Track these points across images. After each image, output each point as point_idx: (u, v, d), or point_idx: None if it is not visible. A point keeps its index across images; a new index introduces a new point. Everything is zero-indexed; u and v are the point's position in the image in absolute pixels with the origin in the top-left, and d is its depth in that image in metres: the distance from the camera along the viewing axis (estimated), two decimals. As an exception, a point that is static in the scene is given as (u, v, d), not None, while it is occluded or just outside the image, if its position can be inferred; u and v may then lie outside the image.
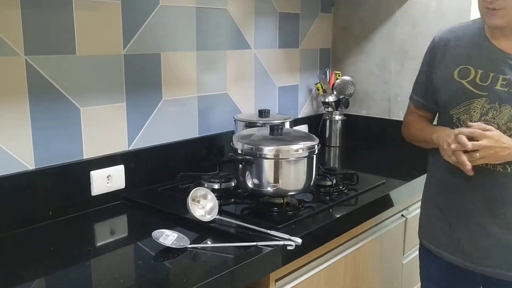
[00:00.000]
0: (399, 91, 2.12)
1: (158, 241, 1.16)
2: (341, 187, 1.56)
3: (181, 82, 1.65)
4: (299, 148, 1.33)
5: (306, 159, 1.34)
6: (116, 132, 1.49)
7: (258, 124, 1.62)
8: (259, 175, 1.32)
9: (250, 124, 1.62)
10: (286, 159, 1.32)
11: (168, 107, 1.62)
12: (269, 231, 1.21)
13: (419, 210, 1.79)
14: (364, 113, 2.25)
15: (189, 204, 1.29)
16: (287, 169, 1.33)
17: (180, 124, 1.67)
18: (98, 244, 1.26)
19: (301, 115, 2.20)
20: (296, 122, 2.09)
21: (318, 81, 2.19)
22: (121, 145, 1.50)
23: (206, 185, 1.51)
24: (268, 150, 1.30)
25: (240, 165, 1.33)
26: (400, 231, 1.72)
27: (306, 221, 1.31)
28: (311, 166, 1.36)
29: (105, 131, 1.45)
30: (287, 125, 1.65)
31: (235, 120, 1.68)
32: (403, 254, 1.76)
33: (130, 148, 1.53)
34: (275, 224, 1.26)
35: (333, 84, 2.17)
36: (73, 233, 1.29)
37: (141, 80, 1.53)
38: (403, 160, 1.99)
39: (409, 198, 1.74)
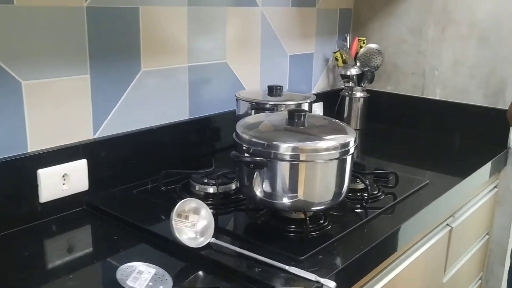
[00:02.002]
0: (437, 63, 1.73)
1: (124, 286, 0.78)
2: (375, 192, 1.18)
3: (166, 47, 1.25)
4: (330, 146, 0.94)
5: (338, 161, 0.96)
6: (76, 114, 1.09)
7: (267, 105, 1.23)
8: (271, 181, 0.94)
9: (257, 105, 1.23)
10: (311, 161, 0.93)
11: (148, 81, 1.22)
12: (286, 267, 0.84)
13: (466, 215, 1.44)
14: (390, 89, 1.86)
15: (174, 223, 0.91)
16: (312, 174, 0.95)
17: (164, 103, 1.27)
18: (35, 280, 0.88)
19: (315, 90, 1.80)
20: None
21: (337, 49, 1.78)
22: (84, 133, 1.11)
23: (197, 188, 1.13)
24: (286, 148, 0.92)
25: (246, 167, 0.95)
26: (444, 244, 1.36)
27: (338, 248, 0.94)
28: (343, 171, 0.98)
29: (59, 114, 1.06)
30: (305, 107, 1.26)
31: (237, 100, 1.29)
32: (444, 271, 1.41)
33: (96, 137, 1.14)
34: (295, 253, 0.89)
35: (356, 53, 1.77)
36: (7, 257, 0.91)
37: (112, 43, 1.13)
38: (442, 150, 1.62)
39: (457, 203, 1.37)
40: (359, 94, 1.78)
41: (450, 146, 1.65)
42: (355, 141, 0.99)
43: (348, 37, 1.82)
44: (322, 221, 1.02)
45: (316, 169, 0.95)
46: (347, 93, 1.79)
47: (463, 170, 1.39)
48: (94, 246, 0.97)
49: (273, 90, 1.28)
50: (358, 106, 1.79)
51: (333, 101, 1.82)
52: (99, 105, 1.13)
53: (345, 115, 1.81)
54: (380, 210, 1.11)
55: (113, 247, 0.96)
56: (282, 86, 1.30)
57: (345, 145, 0.96)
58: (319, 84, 1.82)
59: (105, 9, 1.10)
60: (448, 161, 1.51)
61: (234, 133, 0.98)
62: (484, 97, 1.65)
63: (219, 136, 1.41)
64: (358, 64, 1.75)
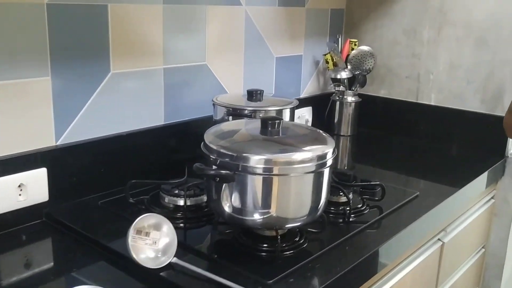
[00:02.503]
0: (433, 67, 1.64)
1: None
2: (359, 206, 1.10)
3: (139, 48, 1.17)
4: (305, 157, 0.86)
5: (314, 174, 0.87)
6: (36, 120, 1.01)
7: (246, 111, 1.14)
8: (241, 196, 0.86)
9: (234, 111, 1.14)
10: (284, 174, 0.85)
11: (119, 84, 1.14)
12: (253, 293, 0.76)
13: (459, 229, 1.35)
14: (384, 93, 1.77)
15: (130, 241, 0.83)
16: (285, 189, 0.86)
17: (137, 107, 1.19)
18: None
19: (304, 94, 1.72)
20: (299, 104, 1.61)
21: (328, 51, 1.70)
22: (44, 140, 1.03)
23: (166, 200, 1.05)
24: (256, 161, 0.83)
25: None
26: (434, 260, 1.27)
27: (313, 269, 0.86)
28: (321, 184, 0.90)
29: (17, 119, 0.98)
30: (286, 114, 1.18)
31: (213, 104, 1.20)
32: (436, 289, 1.32)
33: (58, 144, 1.06)
34: (264, 276, 0.81)
35: (347, 55, 1.68)
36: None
37: (77, 43, 1.05)
38: (437, 158, 1.53)
39: (450, 216, 1.29)
40: (350, 98, 1.70)
41: (445, 154, 1.57)
42: (333, 152, 0.91)
43: (340, 39, 1.74)
44: (297, 239, 0.93)
45: (290, 184, 0.86)
46: (337, 98, 1.71)
47: (458, 180, 1.31)
48: (46, 264, 0.89)
49: (252, 95, 1.20)
50: (349, 111, 1.71)
51: (323, 105, 1.73)
52: (62, 110, 1.05)
53: (336, 120, 1.72)
54: (363, 226, 1.03)
55: (67, 265, 0.88)
56: (263, 91, 1.22)
57: (322, 156, 0.88)
58: (309, 87, 1.73)
59: (69, 6, 1.02)
60: (442, 171, 1.42)
61: (202, 143, 0.90)
62: (481, 103, 1.56)
63: (197, 143, 1.32)
64: (349, 67, 1.67)
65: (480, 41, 1.54)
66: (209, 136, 0.90)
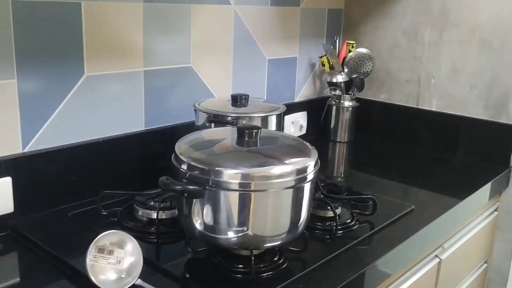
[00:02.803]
0: (434, 70, 1.56)
1: None
2: (348, 221, 1.02)
3: (117, 49, 1.10)
4: (284, 172, 0.78)
5: (293, 190, 0.80)
6: (0, 125, 0.95)
7: (229, 118, 1.07)
8: (213, 212, 0.78)
9: (214, 118, 1.07)
10: (261, 190, 0.77)
11: (94, 87, 1.07)
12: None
13: (459, 244, 1.27)
14: (383, 98, 1.69)
15: (89, 260, 0.76)
16: (262, 206, 0.79)
17: (114, 112, 1.12)
18: None
19: (299, 98, 1.64)
20: (292, 108, 1.54)
21: (324, 53, 1.62)
22: (10, 147, 0.97)
23: (140, 213, 0.98)
24: (230, 175, 0.76)
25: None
26: (431, 278, 1.19)
27: (290, 294, 0.78)
28: (300, 200, 0.82)
29: (-22, 124, 0.92)
30: (272, 121, 1.10)
31: (195, 110, 1.13)
32: (432, 309, 1.24)
33: (26, 151, 0.99)
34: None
35: (344, 58, 1.60)
36: None
37: (46, 44, 0.98)
38: (437, 168, 1.45)
39: (448, 230, 1.21)
40: (347, 103, 1.62)
41: (446, 164, 1.48)
42: (315, 165, 0.83)
43: (337, 40, 1.66)
44: (276, 258, 0.86)
45: (267, 200, 0.79)
46: (334, 102, 1.63)
47: (459, 191, 1.23)
48: (4, 282, 0.82)
49: (237, 100, 1.13)
50: (346, 116, 1.63)
51: (319, 110, 1.66)
52: (30, 115, 0.98)
53: (332, 126, 1.65)
54: (351, 243, 0.95)
55: (27, 283, 0.81)
56: (248, 95, 1.14)
57: (303, 170, 0.81)
58: (304, 91, 1.65)
59: (37, 4, 0.95)
60: (442, 181, 1.34)
61: (173, 154, 0.83)
62: (484, 109, 1.47)
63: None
64: (346, 70, 1.59)
65: (484, 44, 1.45)
66: (181, 146, 0.83)
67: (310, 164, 0.82)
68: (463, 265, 1.37)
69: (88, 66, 1.05)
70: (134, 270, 0.79)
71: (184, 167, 0.78)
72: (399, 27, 1.61)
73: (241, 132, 0.83)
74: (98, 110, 1.09)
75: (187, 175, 0.77)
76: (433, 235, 1.10)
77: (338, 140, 1.65)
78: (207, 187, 0.76)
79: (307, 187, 0.82)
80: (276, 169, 0.79)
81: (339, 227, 0.98)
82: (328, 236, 0.97)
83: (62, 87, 1.02)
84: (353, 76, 1.59)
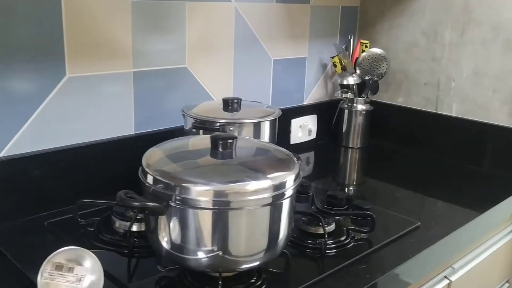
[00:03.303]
0: (455, 73, 1.44)
1: None
2: (342, 238, 0.93)
3: (102, 48, 1.04)
4: (260, 188, 0.70)
5: (271, 207, 0.72)
6: (-27, 129, 0.90)
7: (217, 124, 0.99)
8: (181, 231, 0.71)
9: (201, 124, 1.00)
10: (234, 209, 0.69)
11: (77, 89, 1.02)
12: None
13: (474, 263, 1.16)
14: (399, 102, 1.58)
15: (42, 279, 0.70)
16: (234, 225, 0.71)
17: (100, 116, 1.07)
18: None
19: (308, 101, 1.55)
20: (300, 111, 1.46)
21: (336, 54, 1.53)
22: (-18, 151, 0.92)
23: (117, 224, 0.92)
24: (198, 192, 0.68)
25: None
26: (440, 302, 1.08)
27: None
28: (279, 218, 0.74)
29: None
30: (265, 127, 1.02)
31: (183, 114, 1.06)
32: (442, 334, 1.13)
33: (1, 155, 0.95)
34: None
35: (356, 59, 1.51)
36: None
37: (22, 42, 0.93)
38: (453, 177, 1.34)
39: (461, 249, 1.10)
40: (360, 106, 1.52)
41: (465, 174, 1.36)
42: (296, 179, 0.75)
43: (352, 40, 1.56)
44: (254, 280, 0.78)
45: (240, 219, 0.71)
46: (346, 105, 1.54)
47: (477, 205, 1.12)
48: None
49: (228, 104, 1.05)
50: (358, 120, 1.53)
51: (331, 113, 1.56)
52: (4, 118, 0.93)
53: (344, 130, 1.55)
54: (343, 264, 0.86)
55: (-16, 301, 0.76)
56: (240, 99, 1.06)
57: (280, 186, 0.72)
58: (314, 93, 1.56)
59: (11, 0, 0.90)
60: (460, 192, 1.23)
61: (140, 167, 0.76)
62: (509, 116, 1.35)
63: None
64: (358, 71, 1.49)
65: (509, 44, 1.33)
66: (149, 157, 0.76)
67: (289, 178, 0.73)
68: (481, 284, 1.25)
69: (69, 66, 1.00)
70: (93, 290, 0.73)
71: (150, 180, 0.72)
72: (417, 26, 1.50)
73: (214, 143, 0.75)
74: (82, 114, 1.04)
75: (151, 190, 0.70)
76: (440, 255, 1.00)
77: (350, 145, 1.55)
78: (171, 204, 0.69)
79: (286, 204, 0.74)
80: (251, 185, 0.70)
81: (331, 245, 0.89)
82: (319, 255, 0.88)
83: (41, 89, 0.97)
84: (366, 78, 1.49)
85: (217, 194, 0.69)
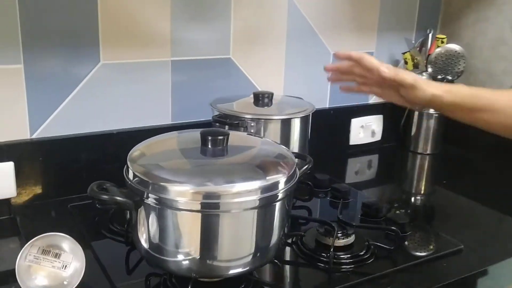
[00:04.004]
0: (547, 75, 1.23)
1: None
2: (361, 252, 0.83)
3: (138, 36, 1.04)
4: (244, 190, 0.64)
5: (258, 211, 0.65)
6: (7, 110, 0.94)
7: (244, 117, 0.94)
8: (155, 230, 0.67)
9: (220, 118, 0.95)
10: (211, 211, 0.64)
11: (111, 76, 1.03)
12: None
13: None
14: (482, 105, 1.39)
15: (23, 261, 0.70)
16: (213, 229, 0.65)
17: (135, 104, 1.07)
18: None
19: (373, 100, 1.43)
20: (363, 110, 1.36)
21: (408, 49, 1.39)
22: (17, 132, 0.96)
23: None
24: (174, 191, 0.64)
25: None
26: None
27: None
28: (270, 223, 0.67)
29: (-17, 107, 0.92)
30: (295, 125, 0.94)
31: (212, 107, 1.02)
32: None
33: (34, 137, 0.98)
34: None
35: (428, 55, 1.35)
36: None
37: (56, 28, 0.95)
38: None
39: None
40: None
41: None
42: (288, 181, 0.67)
43: (430, 34, 1.40)
44: (243, 286, 0.72)
45: (221, 222, 0.65)
46: (417, 107, 1.39)
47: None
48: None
49: (259, 99, 0.99)
50: (430, 124, 1.38)
51: (399, 114, 1.43)
52: (39, 101, 0.97)
53: (412, 134, 1.41)
54: (352, 282, 0.76)
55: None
56: (272, 94, 1.00)
57: (269, 188, 0.65)
58: (381, 92, 1.43)
59: (48, -13, 0.93)
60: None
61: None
62: None
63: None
64: (429, 69, 1.34)
65: None
66: (136, 151, 0.73)
67: (280, 180, 0.66)
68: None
69: (104, 53, 1.01)
70: (74, 276, 0.72)
71: (130, 174, 0.69)
72: (507, 20, 1.31)
73: (204, 139, 0.70)
74: (115, 100, 1.04)
75: (128, 184, 0.68)
76: (487, 284, 0.86)
77: (418, 151, 1.41)
78: (145, 201, 0.66)
79: (277, 207, 0.67)
80: (237, 186, 0.65)
81: (346, 260, 0.80)
82: (325, 271, 0.80)
83: (74, 75, 0.99)
84: (438, 77, 1.33)
85: (192, 195, 0.64)
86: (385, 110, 1.42)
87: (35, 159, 0.97)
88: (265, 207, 0.66)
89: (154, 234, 0.67)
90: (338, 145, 1.37)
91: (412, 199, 1.17)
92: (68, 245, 0.73)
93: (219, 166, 0.70)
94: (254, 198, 0.65)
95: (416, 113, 1.39)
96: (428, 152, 1.40)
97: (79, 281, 0.71)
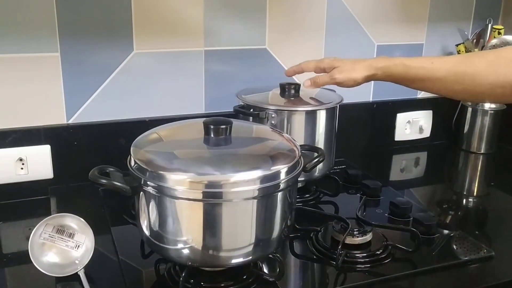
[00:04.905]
0: None
1: None
2: (379, 252, 0.79)
3: (171, 25, 1.05)
4: (242, 179, 0.63)
5: (258, 201, 0.64)
6: (45, 96, 0.99)
7: (266, 108, 0.92)
8: (154, 217, 0.67)
9: (240, 109, 0.94)
10: (210, 200, 0.64)
11: (144, 65, 1.05)
12: None
13: None
14: (545, 102, 1.27)
15: (37, 238, 0.74)
16: (211, 218, 0.65)
17: (168, 92, 1.09)
18: None
19: (422, 94, 1.35)
20: (411, 104, 1.30)
21: (462, 41, 1.30)
22: (54, 117, 1.01)
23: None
24: (177, 180, 0.64)
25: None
26: None
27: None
28: (269, 215, 0.66)
29: (22, 93, 0.97)
30: (321, 117, 0.91)
31: (237, 97, 1.01)
32: None
33: (70, 122, 1.03)
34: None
35: (482, 47, 1.26)
36: None
37: (92, 17, 0.99)
38: None
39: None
40: (487, 105, 1.27)
41: None
42: (290, 171, 0.65)
43: (489, 25, 1.31)
44: (245, 277, 0.71)
45: (220, 212, 0.64)
46: (469, 103, 1.30)
47: None
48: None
49: (285, 90, 0.97)
50: (485, 121, 1.29)
51: (451, 111, 1.35)
52: (75, 88, 1.01)
53: (465, 132, 1.32)
54: (359, 283, 0.73)
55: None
56: (299, 85, 0.97)
57: (269, 178, 0.64)
58: (432, 86, 1.35)
59: (83, -22, 0.96)
60: None
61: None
62: None
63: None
64: (483, 62, 1.24)
65: None
66: (142, 139, 0.74)
67: (281, 170, 0.65)
68: None
69: (137, 42, 1.03)
70: (85, 256, 0.75)
71: (131, 162, 0.70)
72: None
73: (206, 128, 0.70)
74: (148, 89, 1.07)
75: (129, 170, 0.69)
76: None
77: (471, 150, 1.32)
78: (144, 188, 0.66)
79: (279, 198, 0.66)
80: (237, 176, 0.63)
81: (361, 259, 0.77)
82: (335, 267, 0.77)
83: (108, 63, 1.02)
84: (493, 71, 1.23)
85: (189, 183, 0.64)
86: (436, 105, 1.34)
87: (71, 143, 1.02)
88: (266, 197, 0.65)
89: (152, 222, 0.68)
90: (383, 141, 1.31)
91: (464, 200, 1.11)
92: (79, 225, 0.76)
93: (219, 155, 0.69)
94: (255, 187, 0.64)
95: (470, 109, 1.30)
96: (482, 151, 1.31)
97: (87, 261, 0.74)
